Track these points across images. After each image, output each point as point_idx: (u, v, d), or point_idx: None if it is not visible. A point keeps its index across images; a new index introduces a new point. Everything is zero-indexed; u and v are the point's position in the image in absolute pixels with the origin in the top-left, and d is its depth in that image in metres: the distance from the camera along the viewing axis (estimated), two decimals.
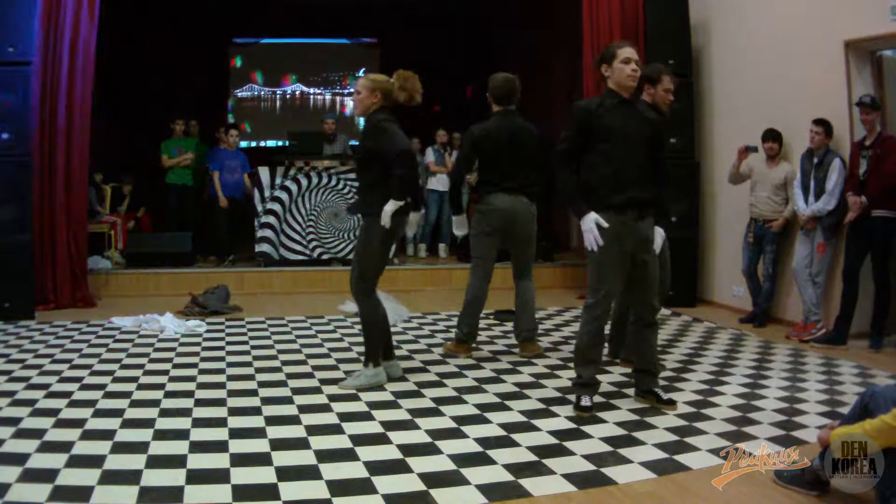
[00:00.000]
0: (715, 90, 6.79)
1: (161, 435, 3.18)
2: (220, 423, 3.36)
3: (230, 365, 4.42)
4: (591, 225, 3.45)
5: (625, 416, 3.57)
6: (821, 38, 5.42)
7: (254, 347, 4.90)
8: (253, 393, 3.85)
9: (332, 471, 2.84)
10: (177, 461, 2.89)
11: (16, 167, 5.70)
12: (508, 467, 2.91)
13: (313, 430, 3.29)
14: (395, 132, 3.83)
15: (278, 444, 3.10)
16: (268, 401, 3.71)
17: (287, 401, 3.72)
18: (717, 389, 4.03)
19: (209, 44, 11.30)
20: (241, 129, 9.37)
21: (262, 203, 7.58)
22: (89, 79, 6.22)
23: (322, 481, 2.74)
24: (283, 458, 2.95)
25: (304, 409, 3.59)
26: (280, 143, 10.71)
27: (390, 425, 3.37)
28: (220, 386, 3.97)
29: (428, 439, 3.21)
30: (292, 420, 3.43)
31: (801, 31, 5.65)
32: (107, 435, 3.15)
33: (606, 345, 4.38)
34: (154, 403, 3.62)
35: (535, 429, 3.36)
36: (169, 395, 3.79)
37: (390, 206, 3.78)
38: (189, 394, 3.81)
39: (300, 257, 7.66)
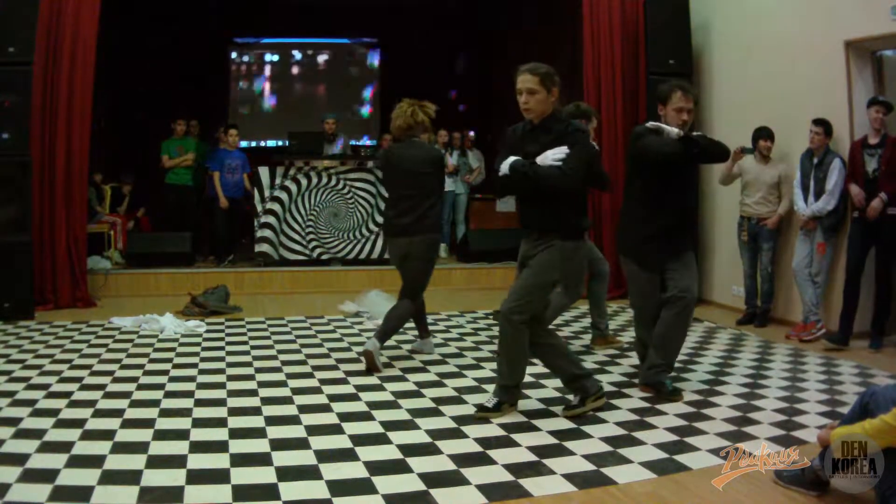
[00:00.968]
0: (715, 90, 6.79)
1: (161, 435, 3.18)
2: (220, 423, 3.36)
3: (230, 365, 4.42)
4: None
5: (625, 416, 3.57)
6: (821, 38, 5.42)
7: (253, 347, 4.90)
8: (253, 393, 3.85)
9: (332, 471, 2.84)
10: (177, 461, 2.89)
11: (16, 167, 5.70)
12: (508, 467, 2.91)
13: (313, 430, 3.29)
14: None
15: (278, 444, 3.10)
16: (268, 401, 3.71)
17: (287, 401, 3.72)
18: (717, 389, 4.03)
19: (209, 44, 11.29)
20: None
21: (262, 203, 7.58)
22: (89, 79, 6.22)
23: (322, 481, 2.74)
24: (283, 458, 2.95)
25: (304, 409, 3.59)
26: (280, 143, 10.71)
27: (390, 425, 3.37)
28: (220, 386, 3.97)
29: (428, 439, 3.21)
30: (292, 420, 3.43)
31: (801, 31, 5.65)
32: (107, 435, 3.15)
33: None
34: (154, 403, 3.62)
35: (535, 429, 3.36)
36: (169, 395, 3.79)
37: None
38: (189, 394, 3.81)
39: (300, 257, 7.66)
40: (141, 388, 3.90)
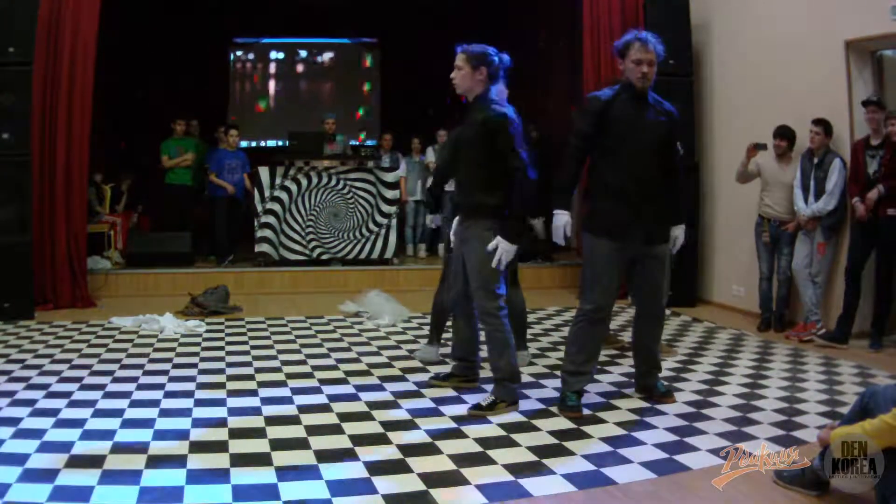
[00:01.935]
0: (715, 90, 6.79)
1: (161, 435, 3.18)
2: (220, 422, 3.36)
3: (230, 365, 4.42)
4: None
5: (625, 416, 3.57)
6: (821, 38, 5.42)
7: (253, 347, 4.90)
8: (253, 393, 3.85)
9: (332, 471, 2.84)
10: (177, 461, 2.89)
11: (16, 167, 5.70)
12: (508, 467, 2.91)
13: (313, 430, 3.29)
14: None
15: (278, 444, 3.10)
16: (268, 401, 3.71)
17: (287, 401, 3.72)
18: (717, 389, 4.03)
19: (209, 44, 11.29)
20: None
21: (262, 203, 7.57)
22: (89, 79, 6.21)
23: (322, 481, 2.74)
24: (283, 458, 2.95)
25: (304, 409, 3.59)
26: (280, 143, 10.71)
27: (390, 425, 3.37)
28: (220, 386, 3.97)
29: (428, 439, 3.21)
30: (292, 420, 3.43)
31: (801, 31, 5.65)
32: (107, 435, 3.15)
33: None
34: (154, 403, 3.62)
35: (536, 429, 3.36)
36: (169, 395, 3.79)
37: None
38: (189, 394, 3.81)
39: (300, 257, 7.66)
40: (141, 388, 3.90)
